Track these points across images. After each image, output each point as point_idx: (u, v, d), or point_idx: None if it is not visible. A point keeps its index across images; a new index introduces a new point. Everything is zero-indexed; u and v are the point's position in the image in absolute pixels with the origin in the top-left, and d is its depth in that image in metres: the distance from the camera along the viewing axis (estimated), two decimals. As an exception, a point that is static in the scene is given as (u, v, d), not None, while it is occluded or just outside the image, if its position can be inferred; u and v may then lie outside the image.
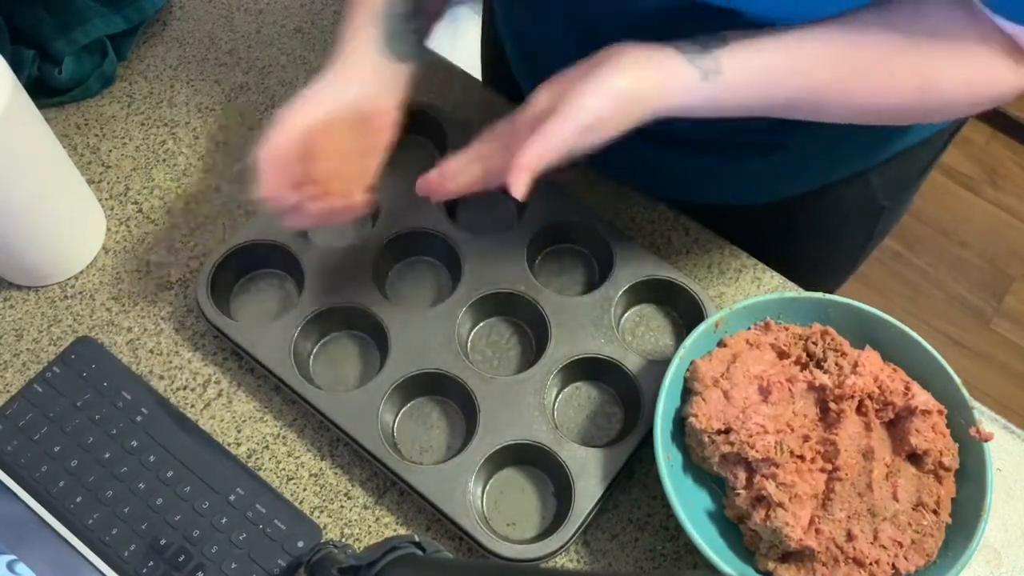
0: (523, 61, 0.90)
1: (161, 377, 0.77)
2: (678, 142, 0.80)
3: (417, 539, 0.60)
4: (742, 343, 0.71)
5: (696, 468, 0.71)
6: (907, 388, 0.68)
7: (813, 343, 0.71)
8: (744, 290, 0.82)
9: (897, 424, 0.68)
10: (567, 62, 0.62)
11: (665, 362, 0.71)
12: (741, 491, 0.67)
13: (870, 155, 0.83)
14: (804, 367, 0.70)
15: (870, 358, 0.69)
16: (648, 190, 0.85)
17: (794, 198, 0.86)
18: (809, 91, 0.62)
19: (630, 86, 0.59)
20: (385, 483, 0.73)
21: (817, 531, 0.64)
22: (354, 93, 0.67)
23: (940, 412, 0.68)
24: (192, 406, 0.76)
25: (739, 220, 0.85)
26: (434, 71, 0.92)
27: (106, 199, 0.85)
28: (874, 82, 0.62)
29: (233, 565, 0.69)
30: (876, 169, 0.85)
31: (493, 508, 0.72)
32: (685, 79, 0.59)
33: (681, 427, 0.70)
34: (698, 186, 0.85)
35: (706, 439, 0.67)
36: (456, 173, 0.64)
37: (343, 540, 0.71)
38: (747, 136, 0.78)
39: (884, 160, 0.84)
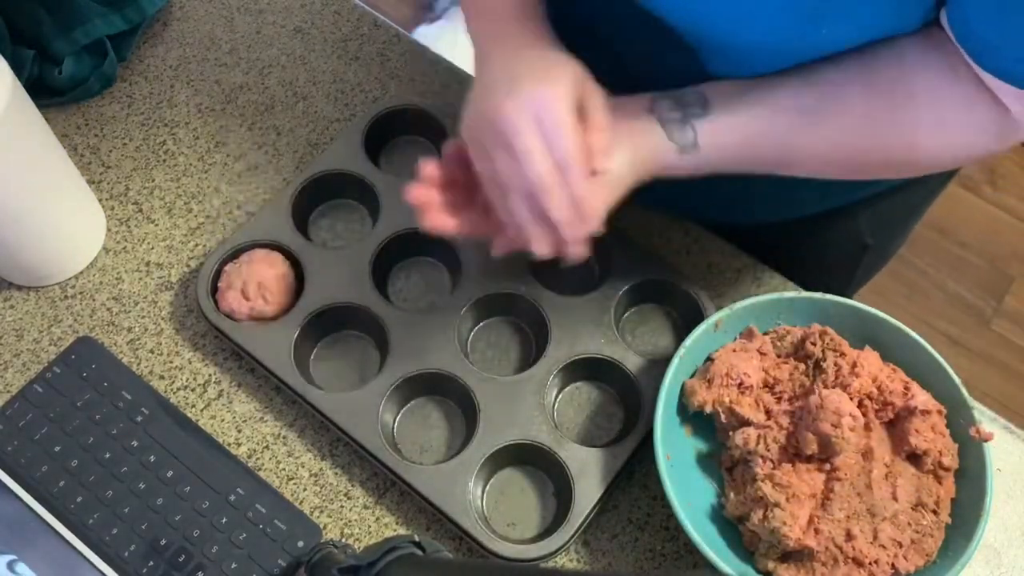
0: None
1: (161, 377, 0.77)
2: None
3: (417, 539, 0.60)
4: (728, 353, 0.71)
5: (696, 468, 0.71)
6: (906, 388, 0.68)
7: (812, 343, 0.70)
8: (744, 290, 0.82)
9: (896, 424, 0.68)
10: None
11: (665, 362, 0.71)
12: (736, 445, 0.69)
13: (855, 189, 0.82)
14: (795, 369, 0.71)
15: (869, 358, 0.69)
16: (649, 203, 0.84)
17: (791, 222, 0.86)
18: (788, 157, 0.65)
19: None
20: (385, 483, 0.73)
21: (816, 531, 0.64)
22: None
23: (940, 412, 0.68)
24: (192, 406, 0.76)
25: (749, 238, 0.85)
26: (434, 71, 0.92)
27: (106, 199, 0.85)
28: (855, 144, 0.63)
29: (233, 565, 0.69)
30: (862, 204, 0.84)
31: (493, 508, 0.72)
32: (665, 157, 0.63)
33: (681, 422, 0.70)
34: (704, 204, 0.84)
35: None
36: None
37: (343, 540, 0.71)
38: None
39: (869, 196, 0.83)
